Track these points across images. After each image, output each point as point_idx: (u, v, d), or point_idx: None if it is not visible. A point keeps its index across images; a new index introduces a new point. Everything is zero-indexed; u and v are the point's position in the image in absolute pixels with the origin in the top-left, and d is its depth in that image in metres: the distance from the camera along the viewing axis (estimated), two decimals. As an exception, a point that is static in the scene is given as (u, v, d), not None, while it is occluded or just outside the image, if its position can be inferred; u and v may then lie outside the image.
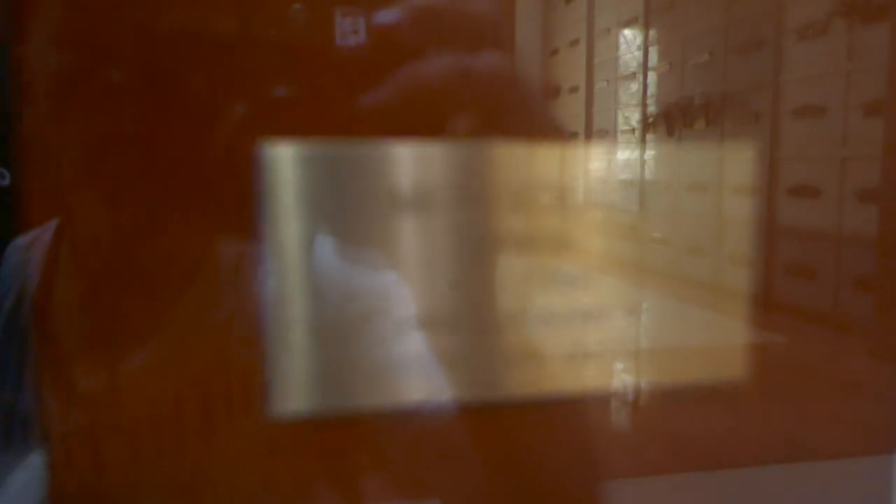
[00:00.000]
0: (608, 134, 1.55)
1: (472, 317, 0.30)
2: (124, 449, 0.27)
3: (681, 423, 0.36)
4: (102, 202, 0.26)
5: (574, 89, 1.68)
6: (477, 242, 0.30)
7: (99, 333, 0.27)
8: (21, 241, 0.28)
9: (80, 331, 0.27)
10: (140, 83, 0.26)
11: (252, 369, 0.26)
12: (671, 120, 1.76)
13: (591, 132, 1.61)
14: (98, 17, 0.25)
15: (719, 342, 0.32)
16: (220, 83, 0.26)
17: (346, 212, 0.27)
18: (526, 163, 0.30)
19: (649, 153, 0.46)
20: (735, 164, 0.38)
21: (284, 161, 0.26)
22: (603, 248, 0.31)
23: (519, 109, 0.28)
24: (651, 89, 1.65)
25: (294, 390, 0.27)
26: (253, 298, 0.27)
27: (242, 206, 0.26)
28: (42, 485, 0.39)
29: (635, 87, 1.83)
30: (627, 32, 1.76)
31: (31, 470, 0.39)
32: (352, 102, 0.25)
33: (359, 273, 0.27)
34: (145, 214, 0.26)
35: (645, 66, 1.61)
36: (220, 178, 0.26)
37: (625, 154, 0.42)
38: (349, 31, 0.26)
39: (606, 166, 0.32)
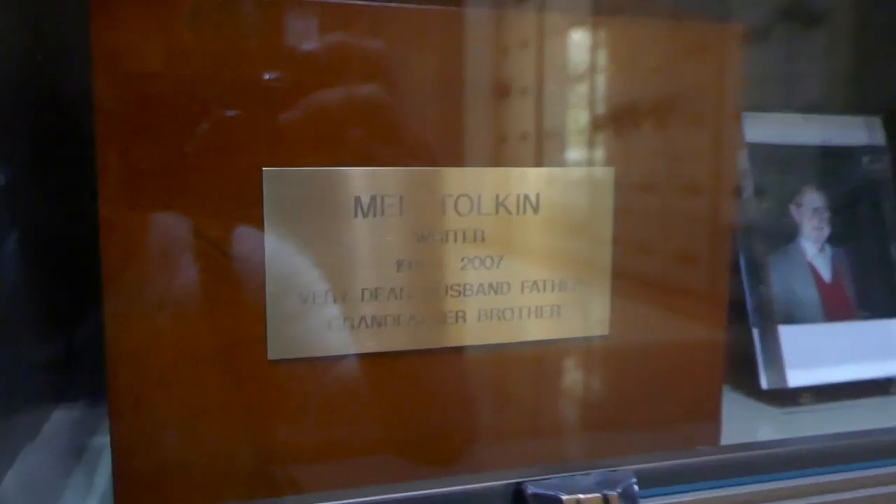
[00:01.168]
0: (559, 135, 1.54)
1: (411, 288, 0.40)
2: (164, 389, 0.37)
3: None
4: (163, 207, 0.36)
5: (524, 90, 1.63)
6: (415, 236, 0.40)
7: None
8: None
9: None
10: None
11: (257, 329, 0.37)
12: (620, 122, 1.71)
13: (541, 133, 1.57)
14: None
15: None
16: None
17: (313, 216, 0.37)
18: (448, 179, 0.40)
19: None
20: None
21: (274, 180, 0.36)
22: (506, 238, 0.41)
23: (394, 131, 0.38)
24: (599, 92, 1.60)
25: (280, 344, 0.38)
26: (256, 278, 0.37)
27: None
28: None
29: (584, 89, 1.75)
30: (577, 33, 1.69)
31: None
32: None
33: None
34: (185, 213, 0.36)
35: (594, 68, 1.58)
36: (235, 191, 0.36)
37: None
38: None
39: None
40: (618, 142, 0.47)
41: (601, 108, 0.49)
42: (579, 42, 0.48)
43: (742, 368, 0.61)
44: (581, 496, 0.34)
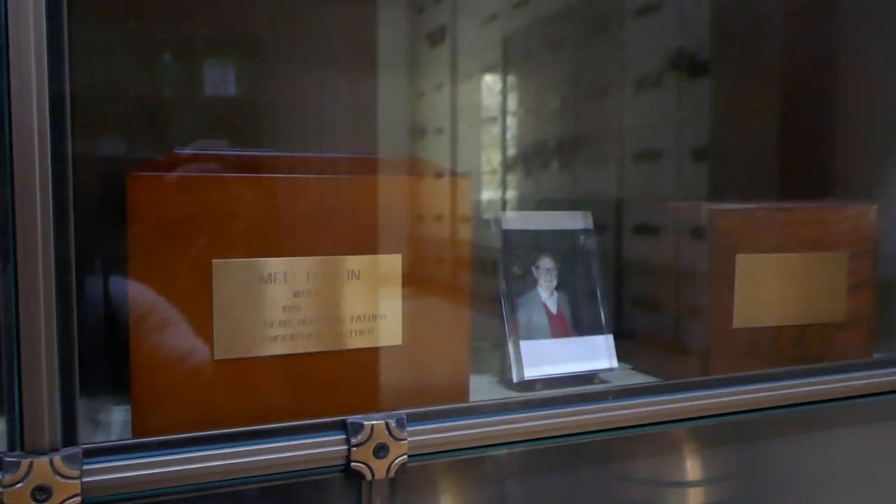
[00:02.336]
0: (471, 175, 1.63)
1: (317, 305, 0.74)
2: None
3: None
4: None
5: (439, 131, 1.67)
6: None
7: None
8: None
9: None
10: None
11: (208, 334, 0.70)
12: (529, 162, 1.73)
13: (455, 172, 1.68)
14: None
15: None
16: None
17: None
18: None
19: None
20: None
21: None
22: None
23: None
24: (510, 132, 1.67)
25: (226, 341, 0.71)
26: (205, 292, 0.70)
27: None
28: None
29: (496, 130, 1.78)
30: (489, 77, 1.72)
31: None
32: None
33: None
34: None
35: (504, 110, 1.66)
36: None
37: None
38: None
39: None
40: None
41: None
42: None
43: (502, 369, 0.97)
44: (376, 421, 0.69)
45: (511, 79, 1.68)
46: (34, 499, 0.60)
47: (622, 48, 1.50)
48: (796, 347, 1.01)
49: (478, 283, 1.00)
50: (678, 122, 1.43)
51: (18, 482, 0.60)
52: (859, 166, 1.21)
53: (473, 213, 1.70)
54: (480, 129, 1.72)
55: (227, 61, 1.14)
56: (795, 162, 1.29)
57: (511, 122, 1.71)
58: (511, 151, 1.74)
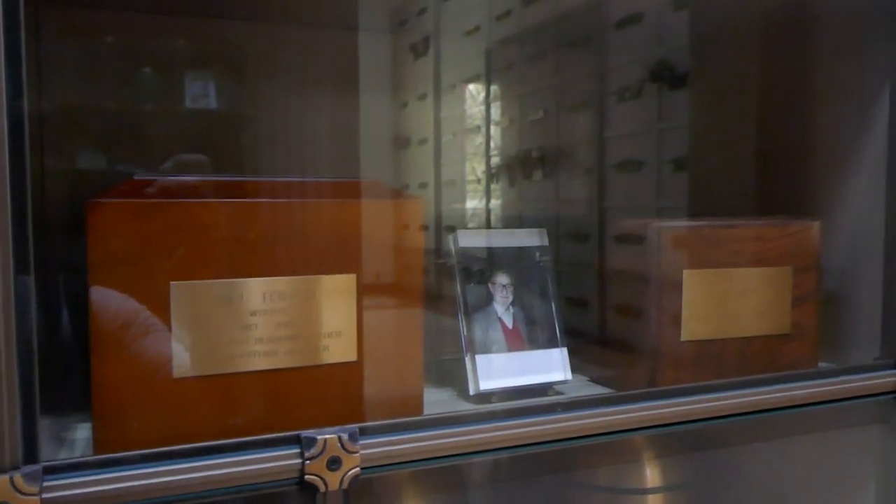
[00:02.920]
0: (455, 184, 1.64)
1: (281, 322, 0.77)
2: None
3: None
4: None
5: (423, 141, 1.68)
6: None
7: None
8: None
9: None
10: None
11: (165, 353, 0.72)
12: (512, 172, 1.75)
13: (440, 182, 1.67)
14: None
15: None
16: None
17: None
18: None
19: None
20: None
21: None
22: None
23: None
24: (494, 142, 1.68)
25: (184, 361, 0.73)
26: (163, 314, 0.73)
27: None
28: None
29: (479, 140, 1.79)
30: (472, 87, 1.73)
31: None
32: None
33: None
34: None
35: (488, 120, 1.68)
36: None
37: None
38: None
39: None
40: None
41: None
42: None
43: (462, 382, 1.00)
44: (328, 435, 0.72)
45: (494, 89, 1.70)
46: (-5, 515, 0.63)
47: (603, 60, 1.52)
48: (743, 358, 1.05)
49: (440, 297, 1.04)
50: (658, 132, 1.46)
51: (-21, 499, 0.62)
52: (816, 182, 1.26)
53: (458, 223, 1.72)
54: (464, 138, 1.76)
55: (208, 75, 1.18)
56: (769, 173, 1.33)
57: (494, 131, 1.74)
58: (494, 160, 1.77)
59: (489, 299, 1.02)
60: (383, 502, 0.84)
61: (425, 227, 1.66)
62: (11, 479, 0.63)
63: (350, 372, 0.81)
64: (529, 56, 1.64)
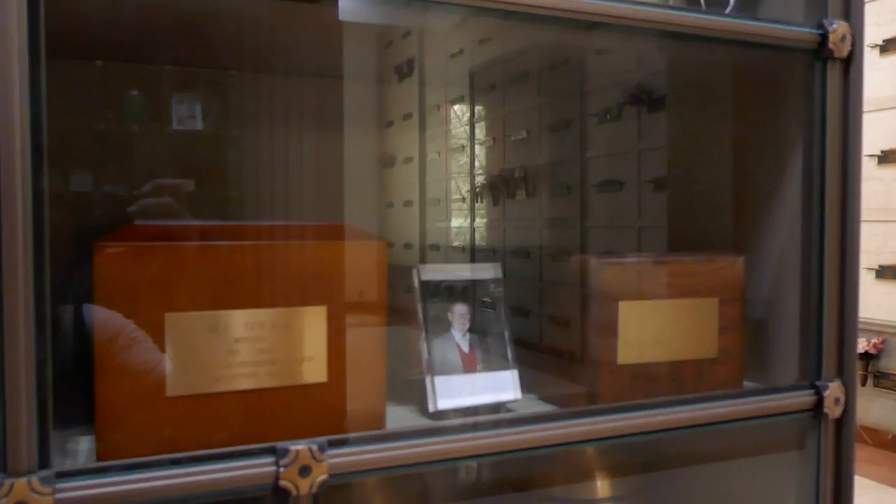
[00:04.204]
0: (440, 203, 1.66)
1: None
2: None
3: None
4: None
5: (408, 160, 1.72)
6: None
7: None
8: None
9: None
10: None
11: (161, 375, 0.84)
12: (496, 190, 1.77)
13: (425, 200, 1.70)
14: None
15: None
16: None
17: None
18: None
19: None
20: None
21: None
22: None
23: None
24: (478, 161, 1.70)
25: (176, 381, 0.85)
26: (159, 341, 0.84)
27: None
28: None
29: (464, 159, 1.81)
30: (457, 108, 1.76)
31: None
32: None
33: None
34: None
35: (472, 140, 1.72)
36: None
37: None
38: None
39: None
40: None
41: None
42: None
43: (422, 399, 1.12)
44: (300, 446, 0.84)
45: (478, 109, 1.78)
46: (14, 513, 0.74)
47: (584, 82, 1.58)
48: (675, 380, 1.18)
49: (404, 324, 1.16)
50: (638, 152, 1.51)
51: (2, 498, 0.74)
52: (748, 220, 1.39)
53: (442, 241, 1.78)
54: (449, 157, 1.82)
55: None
56: (713, 213, 1.43)
57: (479, 150, 1.80)
58: (478, 179, 1.84)
59: (448, 326, 1.14)
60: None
61: (408, 246, 1.74)
62: (29, 482, 0.74)
63: (321, 391, 0.93)
64: (512, 78, 1.69)
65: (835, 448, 1.24)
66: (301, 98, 1.43)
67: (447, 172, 1.83)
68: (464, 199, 1.82)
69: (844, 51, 1.18)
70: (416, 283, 1.12)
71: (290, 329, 0.92)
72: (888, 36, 4.42)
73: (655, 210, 1.47)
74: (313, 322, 0.92)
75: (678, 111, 1.47)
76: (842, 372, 1.23)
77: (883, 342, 4.41)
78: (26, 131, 0.75)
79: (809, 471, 1.22)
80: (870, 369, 4.51)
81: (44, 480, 0.75)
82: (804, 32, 1.17)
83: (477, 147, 1.81)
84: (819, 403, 1.20)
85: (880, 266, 4.39)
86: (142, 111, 1.33)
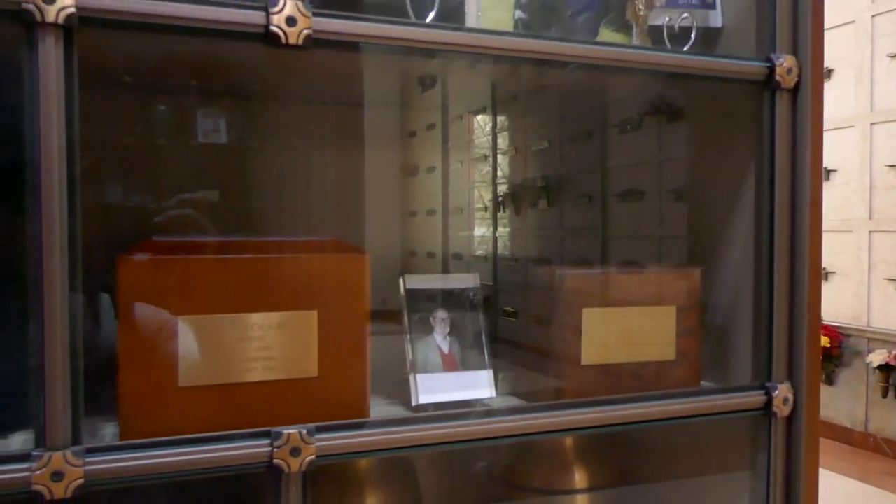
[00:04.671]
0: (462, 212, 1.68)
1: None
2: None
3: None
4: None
5: (431, 169, 1.72)
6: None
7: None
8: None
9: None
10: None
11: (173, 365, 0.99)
12: (518, 200, 1.77)
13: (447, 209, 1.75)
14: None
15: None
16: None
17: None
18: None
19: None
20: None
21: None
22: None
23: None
24: (500, 171, 1.70)
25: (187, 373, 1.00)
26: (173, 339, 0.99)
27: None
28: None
29: (486, 168, 1.80)
30: (479, 118, 1.74)
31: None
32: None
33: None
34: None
35: (494, 150, 1.73)
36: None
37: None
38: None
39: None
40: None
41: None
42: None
43: (406, 394, 1.26)
44: (292, 430, 0.98)
45: (500, 119, 1.81)
46: (52, 479, 0.89)
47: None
48: (637, 379, 1.30)
49: (392, 328, 1.30)
50: (660, 163, 1.56)
51: (42, 468, 0.89)
52: (712, 233, 1.51)
53: (465, 251, 1.82)
54: (472, 167, 1.84)
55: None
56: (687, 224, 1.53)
57: (501, 160, 1.83)
58: (501, 189, 1.85)
59: (430, 330, 1.28)
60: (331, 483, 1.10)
61: (431, 255, 1.81)
62: (64, 455, 0.90)
63: (312, 384, 1.08)
64: (534, 90, 1.71)
65: (785, 445, 1.35)
66: (324, 112, 1.53)
67: (470, 182, 1.90)
68: (486, 209, 1.87)
69: (791, 82, 1.31)
70: (402, 291, 1.27)
71: (286, 330, 1.06)
72: (905, 46, 4.41)
73: (676, 220, 1.53)
74: (305, 324, 1.07)
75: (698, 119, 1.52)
76: (792, 374, 1.35)
77: (904, 354, 4.32)
78: (63, 165, 0.91)
79: (756, 462, 1.34)
80: (891, 381, 4.48)
81: (76, 454, 0.91)
82: (753, 66, 1.30)
83: (499, 157, 1.87)
84: (769, 403, 1.32)
85: (901, 277, 4.29)
86: (167, 125, 1.46)
